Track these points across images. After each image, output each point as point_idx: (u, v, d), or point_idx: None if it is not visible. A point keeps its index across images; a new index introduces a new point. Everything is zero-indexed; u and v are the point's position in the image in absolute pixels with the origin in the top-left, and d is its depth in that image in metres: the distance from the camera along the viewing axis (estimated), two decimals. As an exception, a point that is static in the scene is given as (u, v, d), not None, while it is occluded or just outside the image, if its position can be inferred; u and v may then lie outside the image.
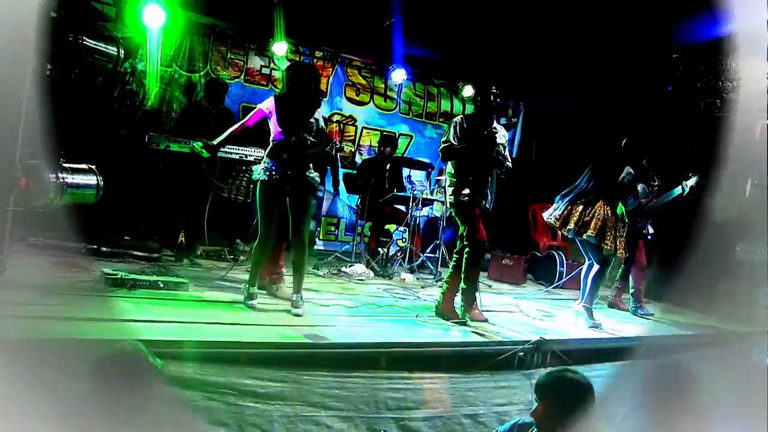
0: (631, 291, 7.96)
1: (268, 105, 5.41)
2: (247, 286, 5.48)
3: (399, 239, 9.73)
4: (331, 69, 10.28)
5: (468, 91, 10.77)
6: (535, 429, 3.43)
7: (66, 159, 3.86)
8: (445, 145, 5.92)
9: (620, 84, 9.46)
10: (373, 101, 10.79)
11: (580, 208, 6.37)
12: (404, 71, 10.12)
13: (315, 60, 10.01)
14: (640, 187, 6.36)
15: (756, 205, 7.68)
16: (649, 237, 7.94)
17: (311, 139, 5.38)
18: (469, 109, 11.46)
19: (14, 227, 5.48)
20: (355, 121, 10.63)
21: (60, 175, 3.73)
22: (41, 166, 3.69)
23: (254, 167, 5.82)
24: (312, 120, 5.47)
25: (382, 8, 8.40)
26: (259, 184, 5.41)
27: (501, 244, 9.72)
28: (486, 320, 5.95)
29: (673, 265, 8.76)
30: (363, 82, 10.66)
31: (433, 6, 8.65)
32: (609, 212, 6.32)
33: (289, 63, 8.40)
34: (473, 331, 5.65)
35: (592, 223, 6.27)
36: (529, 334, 5.73)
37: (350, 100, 10.56)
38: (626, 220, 6.64)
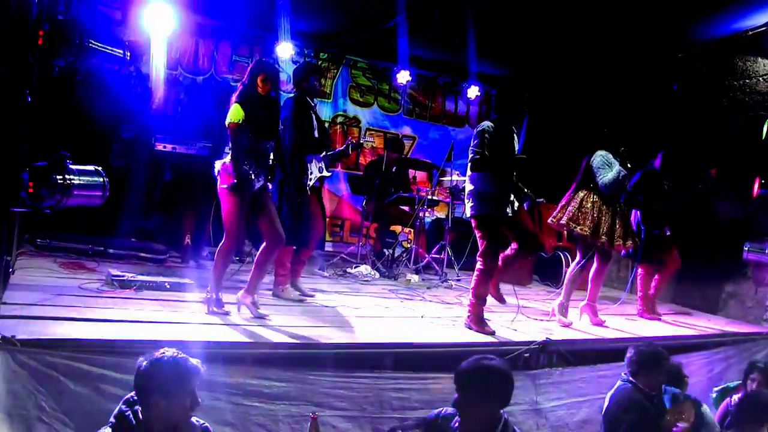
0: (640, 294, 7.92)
1: None
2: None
3: (404, 240, 9.73)
4: (335, 71, 10.31)
5: (473, 92, 10.78)
6: (458, 418, 3.42)
7: (72, 160, 3.87)
8: (479, 156, 5.62)
9: (625, 82, 9.46)
10: (378, 103, 10.80)
11: (563, 202, 6.46)
12: (408, 72, 10.14)
13: (320, 62, 10.03)
14: (615, 168, 6.25)
15: (763, 205, 7.65)
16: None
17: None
18: (474, 110, 11.53)
19: (22, 229, 5.54)
20: (359, 122, 10.65)
21: (67, 176, 3.74)
22: (48, 167, 3.71)
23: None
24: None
25: (387, 9, 8.40)
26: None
27: (507, 244, 9.69)
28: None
29: (680, 266, 8.77)
30: (367, 83, 10.68)
31: (437, 6, 8.63)
32: (589, 201, 6.31)
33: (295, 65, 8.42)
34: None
35: (569, 209, 6.34)
36: (534, 334, 5.73)
37: (354, 101, 10.59)
38: (627, 216, 6.63)
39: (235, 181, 4.86)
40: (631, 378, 4.69)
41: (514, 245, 6.16)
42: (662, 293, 9.03)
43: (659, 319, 7.47)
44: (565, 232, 6.97)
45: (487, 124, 5.72)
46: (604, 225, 6.28)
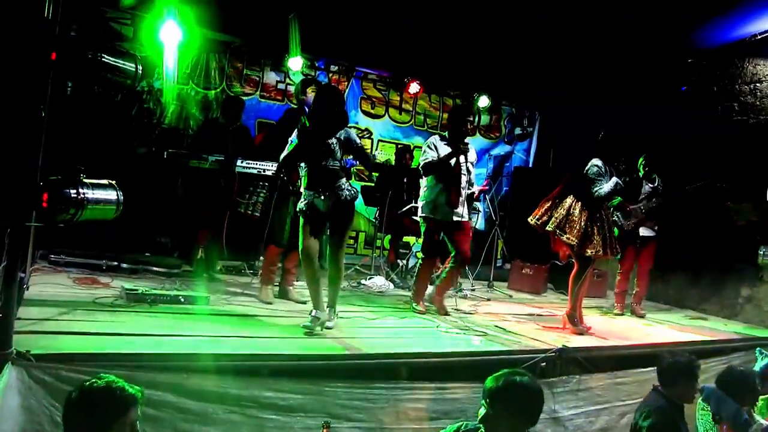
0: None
1: None
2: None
3: (418, 251, 9.68)
4: (346, 83, 10.33)
5: (483, 101, 10.79)
6: None
7: (86, 175, 3.88)
8: (427, 161, 6.55)
9: (635, 90, 9.44)
10: (389, 114, 10.81)
11: (548, 204, 6.39)
12: (419, 84, 10.14)
13: (330, 74, 10.05)
14: (613, 180, 6.22)
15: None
16: (638, 242, 7.93)
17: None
18: (485, 119, 11.53)
19: (36, 245, 5.56)
20: (371, 134, 10.66)
21: (81, 190, 3.75)
22: (62, 182, 3.72)
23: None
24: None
25: (397, 21, 8.42)
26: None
27: (521, 253, 9.69)
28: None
29: (695, 271, 8.73)
30: (378, 95, 10.69)
31: (447, 17, 8.65)
32: (577, 209, 6.26)
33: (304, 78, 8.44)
34: (494, 341, 5.64)
35: (555, 215, 6.28)
36: (550, 342, 5.69)
37: (366, 113, 10.59)
38: (612, 220, 6.61)
39: None
40: (659, 387, 4.68)
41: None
42: (676, 298, 9.03)
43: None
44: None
45: (435, 137, 6.81)
46: (591, 234, 6.25)
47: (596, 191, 6.23)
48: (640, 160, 7.82)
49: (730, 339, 7.12)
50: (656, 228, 7.96)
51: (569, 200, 6.31)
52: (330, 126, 5.26)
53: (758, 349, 6.29)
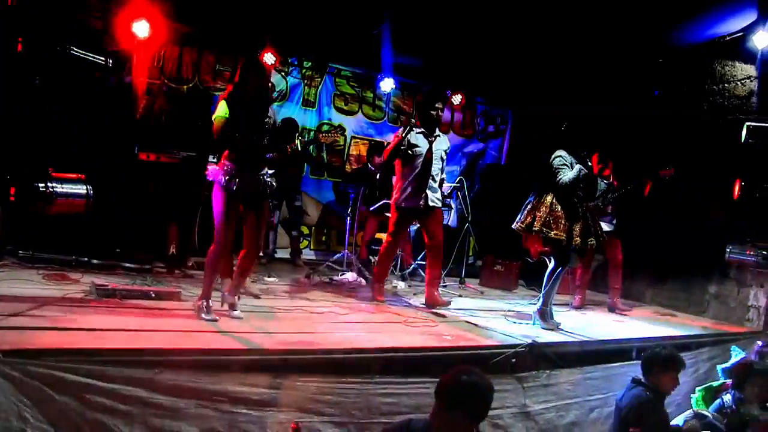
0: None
1: None
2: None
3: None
4: (319, 79, 10.31)
5: (456, 99, 10.85)
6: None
7: (55, 169, 3.85)
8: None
9: (607, 89, 9.51)
10: (362, 111, 10.81)
11: (529, 206, 6.40)
12: (392, 80, 10.16)
13: (303, 70, 10.04)
14: (576, 167, 6.23)
15: (744, 207, 7.74)
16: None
17: None
18: (458, 117, 11.57)
19: (5, 240, 5.49)
20: (344, 131, 10.65)
21: (49, 184, 3.73)
22: (30, 175, 3.69)
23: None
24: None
25: (370, 17, 8.43)
26: None
27: (493, 250, 9.74)
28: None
29: (664, 268, 8.85)
30: (351, 91, 10.68)
31: (420, 15, 8.68)
32: (558, 204, 6.25)
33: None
34: (465, 336, 5.67)
35: (538, 215, 6.25)
36: (521, 337, 5.74)
37: (339, 110, 10.58)
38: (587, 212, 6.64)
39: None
40: (642, 378, 4.85)
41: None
42: (645, 295, 9.15)
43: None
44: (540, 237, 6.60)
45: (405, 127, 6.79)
46: (575, 226, 6.26)
47: (560, 180, 6.20)
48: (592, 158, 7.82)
49: (696, 335, 7.22)
50: (614, 222, 8.06)
51: (549, 197, 6.29)
52: None
53: (734, 347, 6.44)
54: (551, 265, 6.48)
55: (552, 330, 6.32)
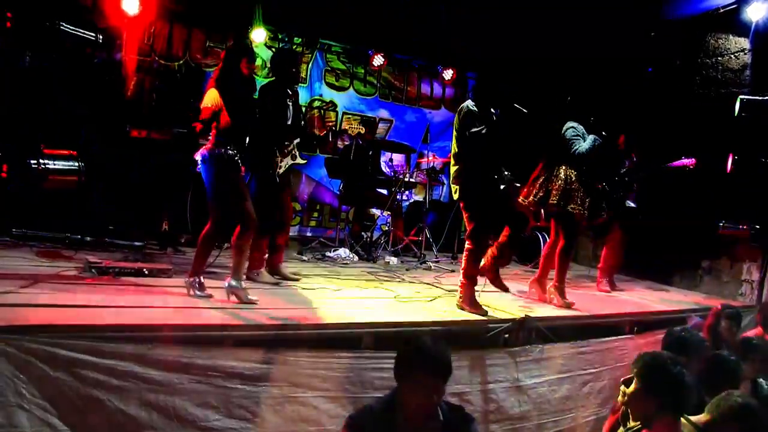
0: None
1: None
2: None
3: (383, 224, 9.74)
4: (310, 55, 10.26)
5: (448, 74, 10.83)
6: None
7: (47, 146, 3.85)
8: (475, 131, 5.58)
9: (601, 64, 9.49)
10: (353, 86, 10.77)
11: (542, 177, 6.34)
12: (383, 56, 10.12)
13: (294, 46, 9.98)
14: (590, 137, 6.20)
15: (737, 181, 7.75)
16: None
17: None
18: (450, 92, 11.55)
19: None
20: (336, 106, 10.61)
21: (41, 161, 3.72)
22: (21, 152, 3.68)
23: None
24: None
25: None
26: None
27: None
28: None
29: (657, 243, 8.86)
30: (342, 67, 10.63)
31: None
32: (573, 176, 6.21)
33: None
34: (457, 311, 5.69)
35: (553, 188, 6.21)
36: (513, 312, 5.77)
37: (330, 86, 10.54)
38: (600, 187, 6.62)
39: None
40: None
41: (505, 231, 6.16)
42: (638, 270, 9.15)
43: (608, 292, 7.81)
44: (543, 211, 6.55)
45: (469, 104, 5.73)
46: (587, 199, 6.24)
47: (576, 150, 6.15)
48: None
49: (687, 309, 7.26)
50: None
51: (562, 169, 6.24)
52: None
53: None
54: (562, 243, 6.35)
55: (568, 307, 6.31)
